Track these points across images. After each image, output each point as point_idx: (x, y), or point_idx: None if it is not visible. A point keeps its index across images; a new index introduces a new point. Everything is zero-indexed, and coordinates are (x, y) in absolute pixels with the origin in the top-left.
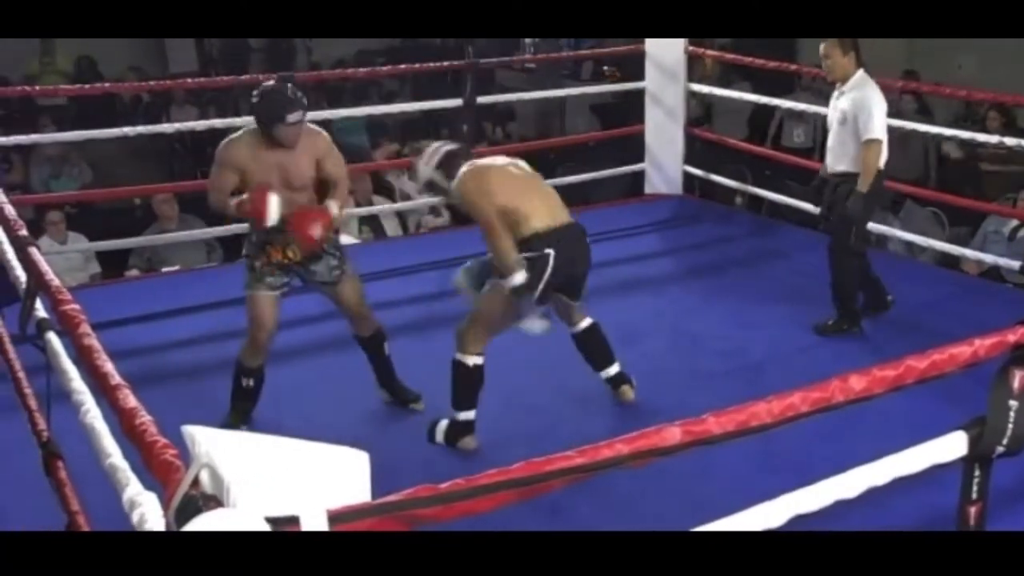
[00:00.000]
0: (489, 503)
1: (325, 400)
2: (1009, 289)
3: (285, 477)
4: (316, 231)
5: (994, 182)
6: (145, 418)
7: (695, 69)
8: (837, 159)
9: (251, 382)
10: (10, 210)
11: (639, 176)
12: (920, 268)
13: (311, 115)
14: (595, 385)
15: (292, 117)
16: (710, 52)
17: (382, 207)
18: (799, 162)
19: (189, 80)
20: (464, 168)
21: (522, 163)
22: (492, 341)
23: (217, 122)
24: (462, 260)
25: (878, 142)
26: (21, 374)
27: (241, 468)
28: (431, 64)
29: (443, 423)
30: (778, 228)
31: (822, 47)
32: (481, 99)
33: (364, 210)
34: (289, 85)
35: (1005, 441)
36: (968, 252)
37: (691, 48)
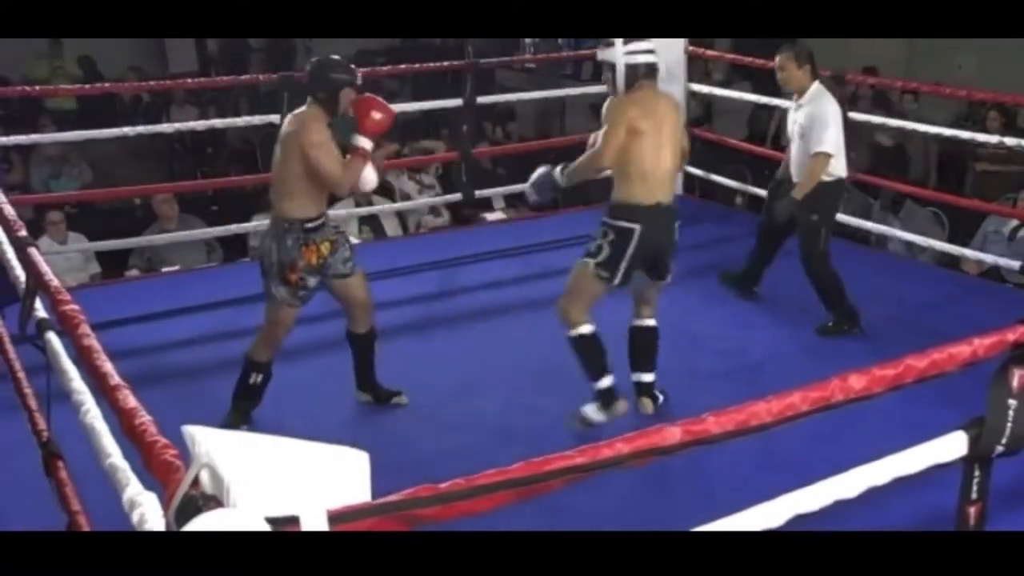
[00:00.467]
0: (489, 503)
1: (325, 400)
2: (1009, 289)
3: (285, 477)
4: (379, 114)
5: (994, 182)
6: (145, 418)
7: (696, 69)
8: (797, 169)
9: (259, 378)
10: (10, 210)
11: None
12: (920, 268)
13: None
14: None
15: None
16: (710, 52)
17: (382, 207)
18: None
19: (189, 80)
20: (636, 88)
21: (678, 123)
22: (492, 341)
23: (217, 122)
24: (462, 260)
25: (826, 156)
26: (21, 374)
27: (241, 468)
28: (431, 64)
29: (586, 407)
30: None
31: (777, 59)
32: (481, 99)
33: (364, 210)
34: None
35: (1004, 440)
36: (968, 252)
37: (691, 48)
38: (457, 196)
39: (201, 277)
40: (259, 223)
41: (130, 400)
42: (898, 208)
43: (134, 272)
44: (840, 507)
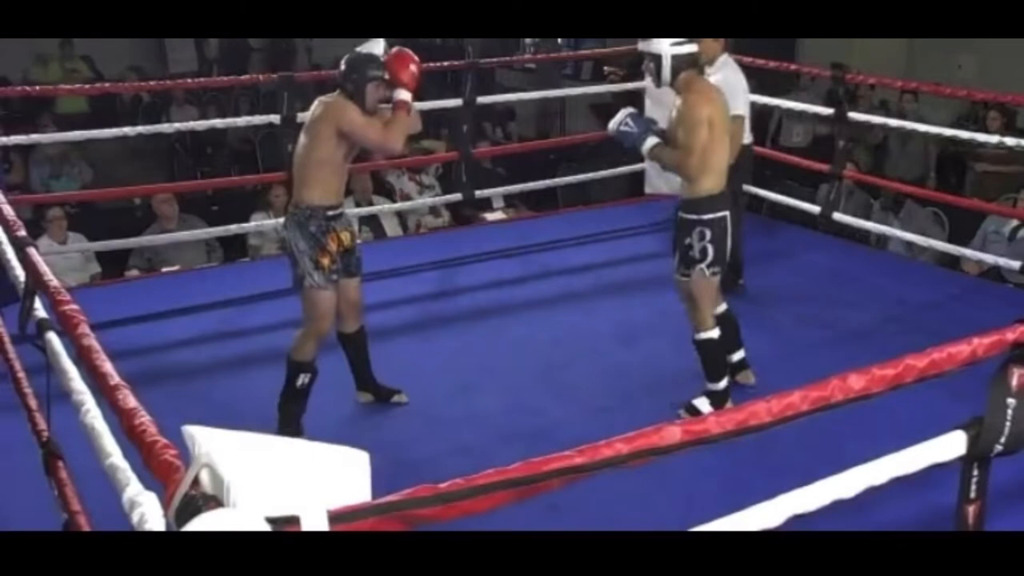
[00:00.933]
0: (488, 503)
1: (325, 400)
2: (1009, 289)
3: (285, 477)
4: (414, 66)
5: (994, 182)
6: (145, 418)
7: None
8: None
9: (307, 379)
10: (9, 210)
11: (639, 176)
12: (920, 268)
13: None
14: (594, 385)
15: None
16: None
17: (382, 207)
18: (799, 162)
19: (189, 80)
20: (694, 74)
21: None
22: (492, 341)
23: (217, 122)
24: (462, 260)
25: (741, 118)
26: (21, 374)
27: (241, 468)
28: (431, 64)
29: (699, 400)
30: (778, 228)
31: None
32: (481, 99)
33: (364, 210)
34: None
35: (1003, 440)
36: (968, 252)
37: None
38: (457, 196)
39: (201, 277)
40: (258, 223)
41: (130, 400)
42: (898, 208)
43: (134, 272)
44: (839, 507)
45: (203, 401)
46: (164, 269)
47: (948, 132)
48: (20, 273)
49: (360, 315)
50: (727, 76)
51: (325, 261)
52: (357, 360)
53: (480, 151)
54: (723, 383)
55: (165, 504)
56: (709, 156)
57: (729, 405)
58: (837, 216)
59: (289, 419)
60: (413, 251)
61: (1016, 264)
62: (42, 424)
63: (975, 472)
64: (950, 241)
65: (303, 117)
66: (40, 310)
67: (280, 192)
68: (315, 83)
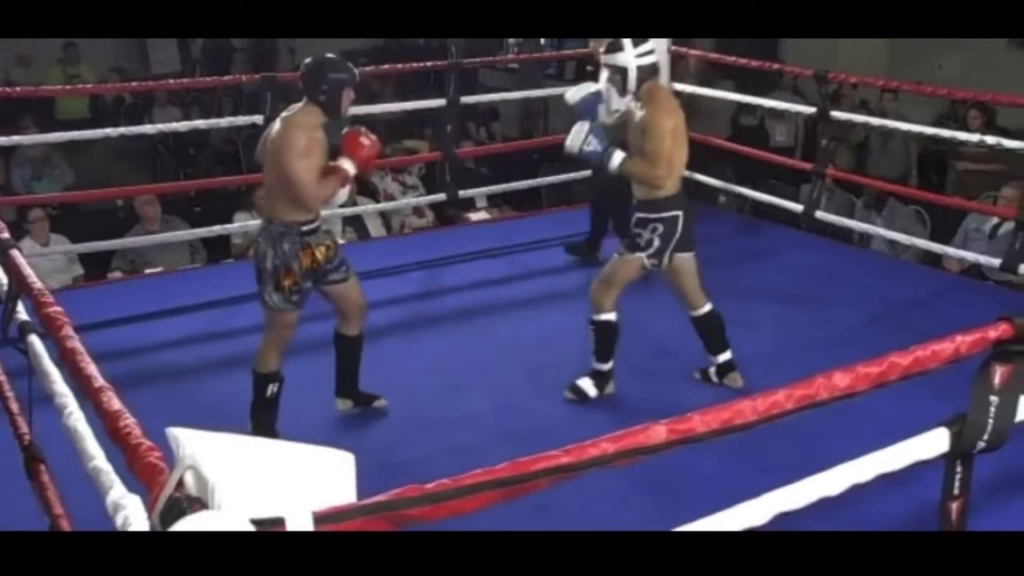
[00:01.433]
0: (476, 503)
1: (310, 401)
2: (990, 287)
3: (270, 478)
4: (367, 145)
5: (975, 180)
6: (129, 420)
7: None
8: None
9: (275, 388)
10: None
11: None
12: (903, 266)
13: None
14: None
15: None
16: (693, 52)
17: (365, 207)
18: (783, 161)
19: (172, 81)
20: (656, 83)
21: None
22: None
23: (200, 123)
24: (445, 260)
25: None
26: (3, 377)
27: (226, 470)
28: (414, 64)
29: (583, 380)
30: (762, 227)
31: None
32: (464, 99)
33: (348, 211)
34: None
35: (986, 436)
36: (950, 250)
37: (674, 48)
38: (441, 196)
39: (184, 278)
40: (242, 223)
41: (114, 402)
42: (881, 207)
43: (117, 274)
44: (824, 504)
45: (187, 403)
46: (147, 271)
47: (929, 131)
48: (2, 276)
49: (364, 317)
50: None
51: (287, 283)
52: (347, 365)
53: (464, 151)
54: (608, 365)
55: (149, 507)
56: (674, 163)
57: (610, 384)
58: (820, 215)
59: (263, 427)
60: (397, 251)
61: (997, 262)
62: (24, 428)
63: (958, 469)
64: (932, 239)
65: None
66: (22, 312)
67: (264, 193)
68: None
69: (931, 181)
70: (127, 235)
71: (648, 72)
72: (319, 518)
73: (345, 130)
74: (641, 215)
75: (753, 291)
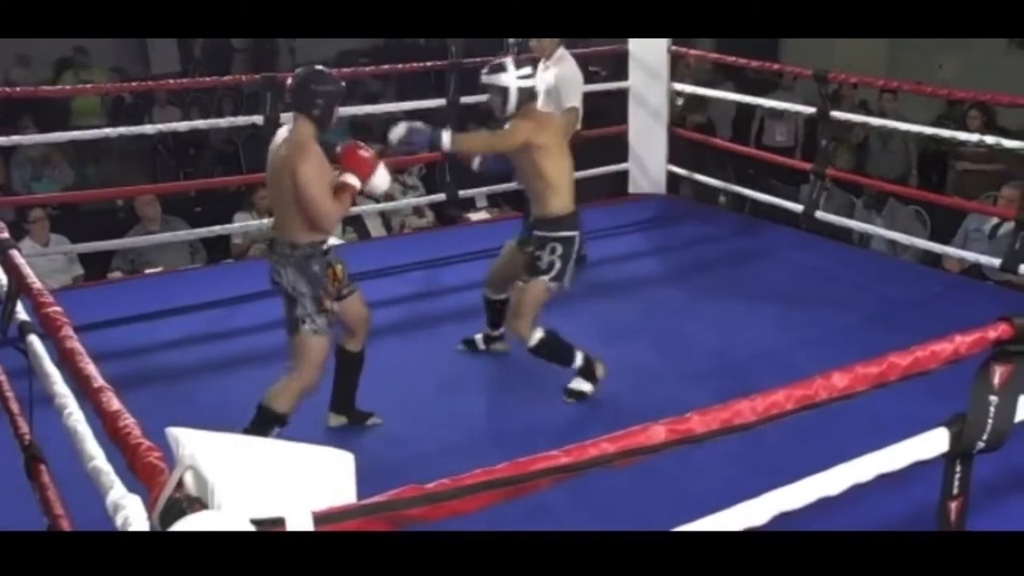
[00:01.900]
0: (475, 503)
1: (309, 401)
2: (990, 287)
3: (270, 479)
4: (366, 158)
5: (975, 180)
6: (129, 420)
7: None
8: None
9: (278, 432)
10: None
11: (623, 176)
12: (903, 266)
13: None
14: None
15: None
16: (693, 52)
17: (365, 207)
18: (783, 161)
19: (171, 81)
20: (532, 106)
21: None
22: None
23: (200, 123)
24: (446, 260)
25: (576, 109)
26: (3, 378)
27: (226, 470)
28: (414, 64)
29: (576, 382)
30: (762, 227)
31: None
32: (464, 99)
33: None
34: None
35: (985, 436)
36: (950, 250)
37: (674, 48)
38: (441, 196)
39: (184, 278)
40: (242, 223)
41: (114, 402)
42: (881, 206)
43: (117, 274)
44: (824, 504)
45: (187, 403)
46: (147, 271)
47: (928, 131)
48: (2, 276)
49: (368, 331)
50: (565, 70)
51: (328, 303)
52: (346, 381)
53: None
54: (579, 356)
55: (149, 507)
56: (553, 177)
57: (598, 365)
58: (820, 215)
59: None
60: (397, 251)
61: (997, 262)
62: (24, 428)
63: (958, 468)
64: (932, 239)
65: (286, 118)
66: (22, 313)
67: (265, 193)
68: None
69: (931, 181)
70: (127, 235)
71: (527, 95)
72: (319, 518)
73: (342, 146)
74: (539, 233)
75: (753, 291)
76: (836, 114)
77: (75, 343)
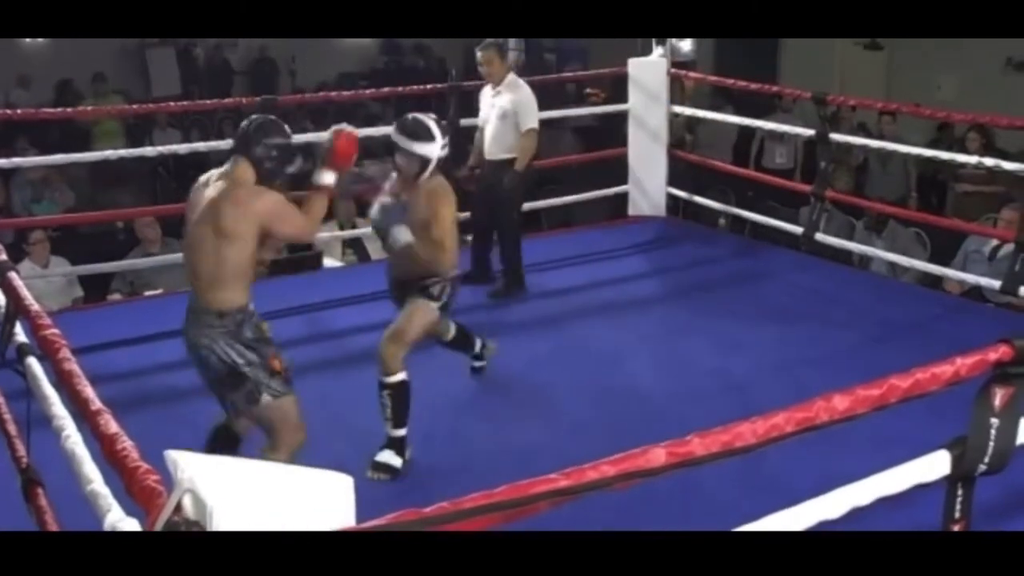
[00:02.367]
0: (474, 526)
1: (311, 423)
2: (991, 308)
3: (268, 502)
4: (352, 149)
5: (975, 202)
6: (127, 443)
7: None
8: (499, 148)
9: None
10: None
11: (622, 198)
12: (903, 288)
13: (297, 138)
14: (579, 408)
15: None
16: (692, 75)
17: (365, 230)
18: (783, 183)
19: (172, 103)
20: (438, 173)
21: None
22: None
23: (200, 145)
24: None
25: (535, 131)
26: (0, 400)
27: (224, 493)
28: (414, 86)
29: (384, 455)
30: (761, 249)
31: (481, 54)
32: (464, 121)
33: (347, 233)
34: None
35: (987, 459)
36: (950, 272)
37: (673, 70)
38: None
39: (184, 301)
40: None
41: (112, 425)
42: (882, 228)
43: (117, 296)
44: (824, 527)
45: (186, 426)
46: (147, 293)
47: (928, 152)
48: (1, 297)
49: (298, 449)
50: (522, 95)
51: (277, 363)
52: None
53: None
54: (406, 429)
55: (147, 530)
56: (449, 236)
57: (409, 448)
58: (820, 236)
59: None
60: None
61: (997, 284)
62: (22, 451)
63: (959, 491)
64: (932, 261)
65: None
66: (21, 334)
67: (200, 286)
68: (298, 105)
69: (930, 203)
70: (127, 257)
71: (439, 164)
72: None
73: (331, 133)
74: (425, 281)
75: (753, 313)
76: (835, 136)
77: (73, 365)
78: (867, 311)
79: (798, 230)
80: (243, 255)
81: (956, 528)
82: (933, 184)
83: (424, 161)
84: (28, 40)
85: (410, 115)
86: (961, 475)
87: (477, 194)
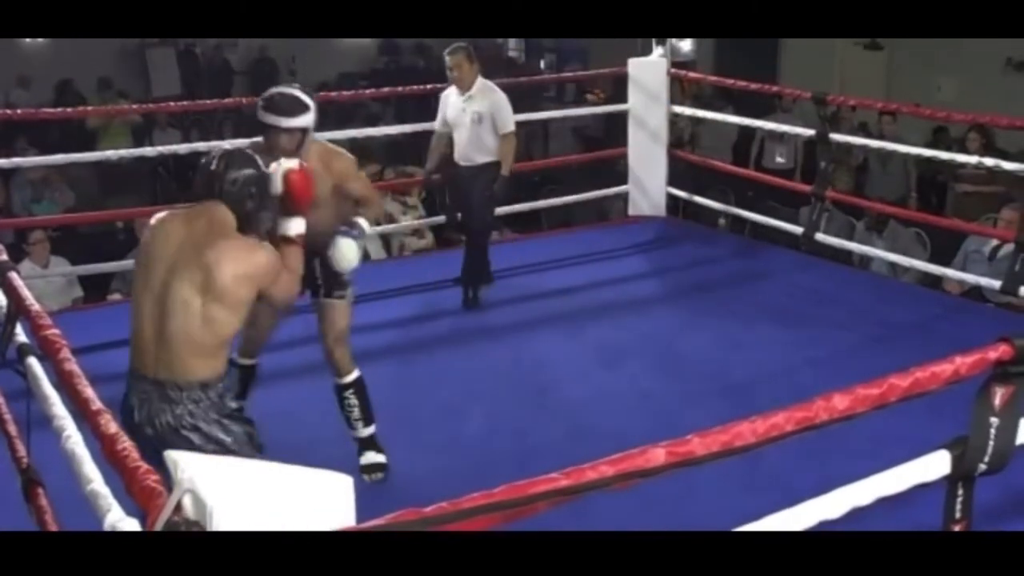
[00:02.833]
0: (474, 526)
1: (306, 424)
2: (991, 308)
3: (268, 502)
4: (309, 184)
5: (975, 202)
6: (127, 443)
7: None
8: (477, 152)
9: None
10: None
11: (623, 198)
12: (903, 288)
13: None
14: (579, 408)
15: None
16: (692, 75)
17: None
18: (783, 183)
19: (172, 104)
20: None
21: None
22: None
23: (200, 145)
24: (445, 282)
25: (513, 133)
26: (1, 400)
27: (224, 493)
28: (413, 86)
29: (369, 455)
30: (761, 249)
31: (450, 59)
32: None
33: None
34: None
35: (987, 459)
36: (950, 272)
37: (673, 71)
38: (440, 219)
39: None
40: None
41: (112, 425)
42: (882, 228)
43: (117, 296)
44: (823, 527)
45: None
46: None
47: (928, 152)
48: (1, 298)
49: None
50: (497, 98)
51: (246, 426)
52: None
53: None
54: (375, 424)
55: (147, 530)
56: (371, 188)
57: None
58: (820, 237)
59: None
60: (397, 274)
61: (997, 284)
62: (22, 451)
63: (960, 491)
64: (932, 261)
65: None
66: (21, 335)
67: (174, 355)
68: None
69: (931, 203)
70: (127, 257)
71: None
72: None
73: (281, 176)
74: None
75: (753, 313)
76: (835, 136)
77: (73, 365)
78: (867, 311)
79: (798, 230)
80: (237, 320)
81: (957, 528)
82: (933, 184)
83: (304, 131)
84: (28, 40)
85: (275, 91)
86: (961, 475)
87: (451, 197)
